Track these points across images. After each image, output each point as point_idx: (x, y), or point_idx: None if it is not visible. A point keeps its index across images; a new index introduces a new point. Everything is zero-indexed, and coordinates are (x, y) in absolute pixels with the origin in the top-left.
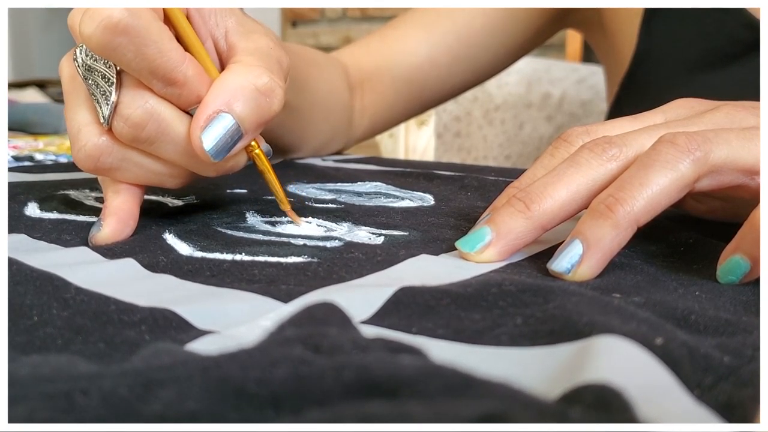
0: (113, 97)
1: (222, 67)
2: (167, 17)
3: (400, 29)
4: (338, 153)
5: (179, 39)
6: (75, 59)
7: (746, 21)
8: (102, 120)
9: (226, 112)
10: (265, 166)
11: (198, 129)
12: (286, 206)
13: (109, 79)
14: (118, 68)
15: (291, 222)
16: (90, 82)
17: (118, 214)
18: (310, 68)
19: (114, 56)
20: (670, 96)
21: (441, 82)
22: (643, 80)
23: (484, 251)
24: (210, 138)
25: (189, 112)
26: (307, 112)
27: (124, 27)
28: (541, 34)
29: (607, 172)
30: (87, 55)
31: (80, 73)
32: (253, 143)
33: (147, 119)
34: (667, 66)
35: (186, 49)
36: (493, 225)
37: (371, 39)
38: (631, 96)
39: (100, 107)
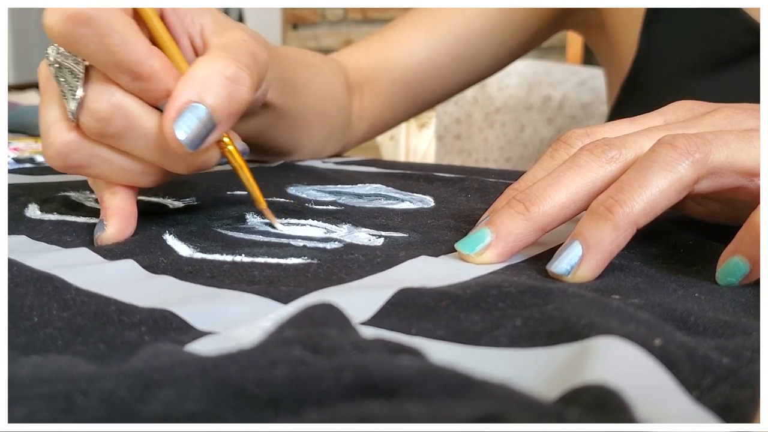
0: (79, 92)
1: None
2: (138, 16)
3: (399, 30)
4: (338, 155)
5: (152, 37)
6: (47, 57)
7: (746, 25)
8: (70, 115)
9: (197, 102)
10: (239, 163)
11: (170, 120)
12: (261, 204)
13: (77, 74)
14: (86, 64)
15: (291, 223)
16: (60, 79)
17: (120, 213)
18: (301, 70)
19: (77, 47)
20: (671, 99)
21: (440, 82)
22: (644, 83)
23: (484, 253)
24: (183, 129)
25: (159, 108)
26: (300, 114)
27: (86, 17)
28: (540, 34)
29: (606, 174)
30: (58, 53)
31: (52, 71)
32: (226, 139)
33: (113, 113)
34: (668, 69)
35: (157, 46)
36: (492, 227)
37: (370, 40)
38: (632, 99)
39: (68, 103)
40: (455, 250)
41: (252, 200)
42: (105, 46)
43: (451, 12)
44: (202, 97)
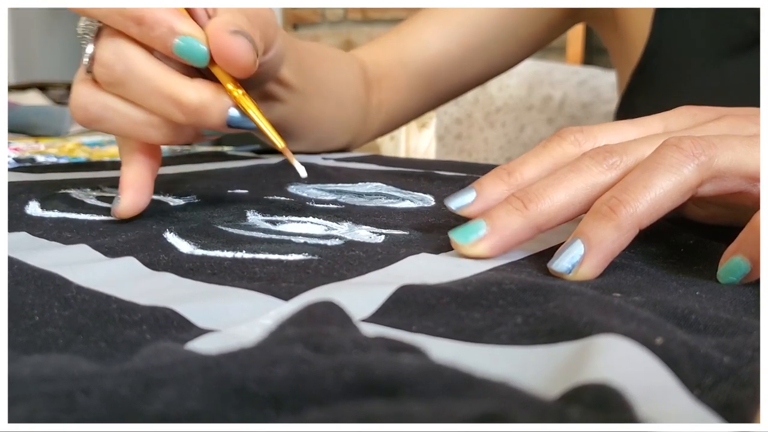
0: (90, 48)
1: None
2: None
3: (414, 25)
4: (352, 148)
5: None
6: (77, 31)
7: (757, 10)
8: (86, 69)
9: (236, 30)
10: (248, 104)
11: (226, 33)
12: (280, 144)
13: (91, 32)
14: (99, 26)
15: (291, 220)
16: (83, 44)
17: (134, 186)
18: (319, 59)
19: (82, 4)
20: (682, 86)
21: (454, 73)
22: (656, 70)
23: (477, 245)
24: (238, 34)
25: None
26: (321, 101)
27: None
28: (554, 27)
29: (606, 180)
30: (86, 24)
31: (79, 41)
32: (230, 86)
33: (115, 59)
34: (679, 56)
35: None
36: (488, 219)
37: (387, 36)
38: (644, 86)
39: (85, 60)
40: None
41: (270, 142)
42: None
43: (464, 4)
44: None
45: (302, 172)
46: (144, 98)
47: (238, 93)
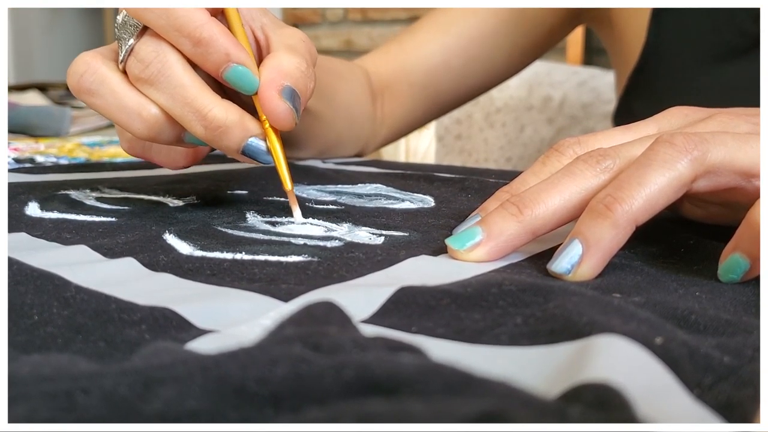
0: (131, 41)
1: (259, 53)
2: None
3: (416, 34)
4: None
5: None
6: (116, 20)
7: (755, 14)
8: (120, 60)
9: (291, 86)
10: (273, 142)
11: (276, 92)
12: (289, 186)
13: (136, 28)
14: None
15: (291, 222)
16: (120, 33)
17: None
18: (330, 77)
19: (143, 14)
20: (680, 89)
21: (456, 84)
22: (653, 73)
23: (474, 250)
24: (289, 100)
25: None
26: (331, 119)
27: None
28: (555, 32)
29: (600, 183)
30: (126, 15)
31: (115, 31)
32: (264, 117)
33: (154, 58)
34: (677, 59)
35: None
36: (484, 225)
37: (391, 45)
38: (641, 88)
39: (120, 51)
40: None
41: (280, 181)
42: (167, 12)
43: (465, 14)
44: (292, 83)
45: (298, 219)
46: (169, 102)
47: (268, 126)
